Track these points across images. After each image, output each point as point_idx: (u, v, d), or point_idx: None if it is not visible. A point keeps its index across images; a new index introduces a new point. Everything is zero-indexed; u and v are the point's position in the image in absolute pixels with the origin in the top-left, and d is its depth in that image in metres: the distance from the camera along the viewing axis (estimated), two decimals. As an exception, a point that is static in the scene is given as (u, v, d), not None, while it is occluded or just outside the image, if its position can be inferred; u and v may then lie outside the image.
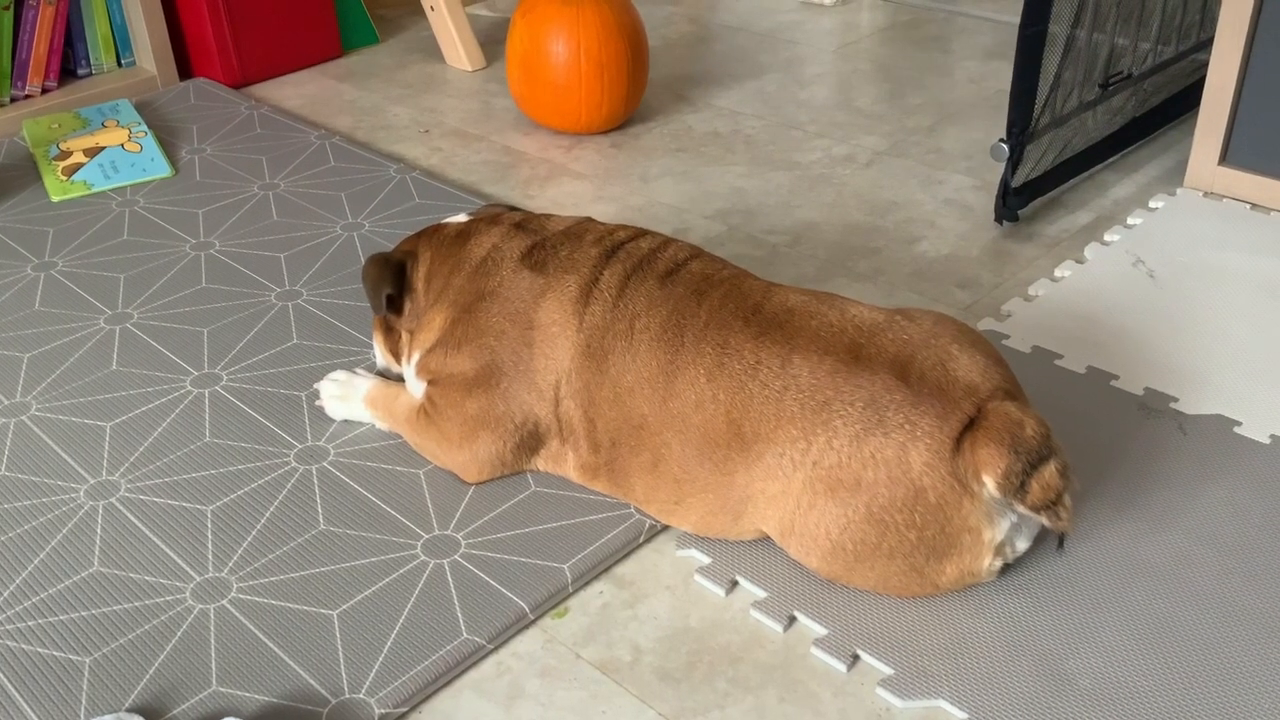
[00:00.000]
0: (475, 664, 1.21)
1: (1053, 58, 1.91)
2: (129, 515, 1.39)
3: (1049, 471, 1.17)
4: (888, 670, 1.18)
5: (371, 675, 1.18)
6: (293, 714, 1.14)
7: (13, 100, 2.50)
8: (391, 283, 1.49)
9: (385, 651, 1.20)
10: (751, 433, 1.24)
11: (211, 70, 2.66)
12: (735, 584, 1.29)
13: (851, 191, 2.15)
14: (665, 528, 1.37)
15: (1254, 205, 2.02)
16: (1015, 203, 1.98)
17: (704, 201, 2.12)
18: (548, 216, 1.51)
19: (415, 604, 1.26)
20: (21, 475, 1.46)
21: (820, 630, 1.23)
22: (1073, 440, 1.44)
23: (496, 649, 1.23)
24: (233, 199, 2.14)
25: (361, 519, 1.38)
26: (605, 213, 2.07)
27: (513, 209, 1.58)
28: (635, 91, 2.36)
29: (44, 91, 2.54)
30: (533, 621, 1.26)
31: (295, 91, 2.65)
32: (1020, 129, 1.92)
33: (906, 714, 1.15)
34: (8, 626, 1.25)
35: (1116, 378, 1.59)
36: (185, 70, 2.70)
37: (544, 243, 1.43)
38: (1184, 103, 2.30)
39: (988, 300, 1.80)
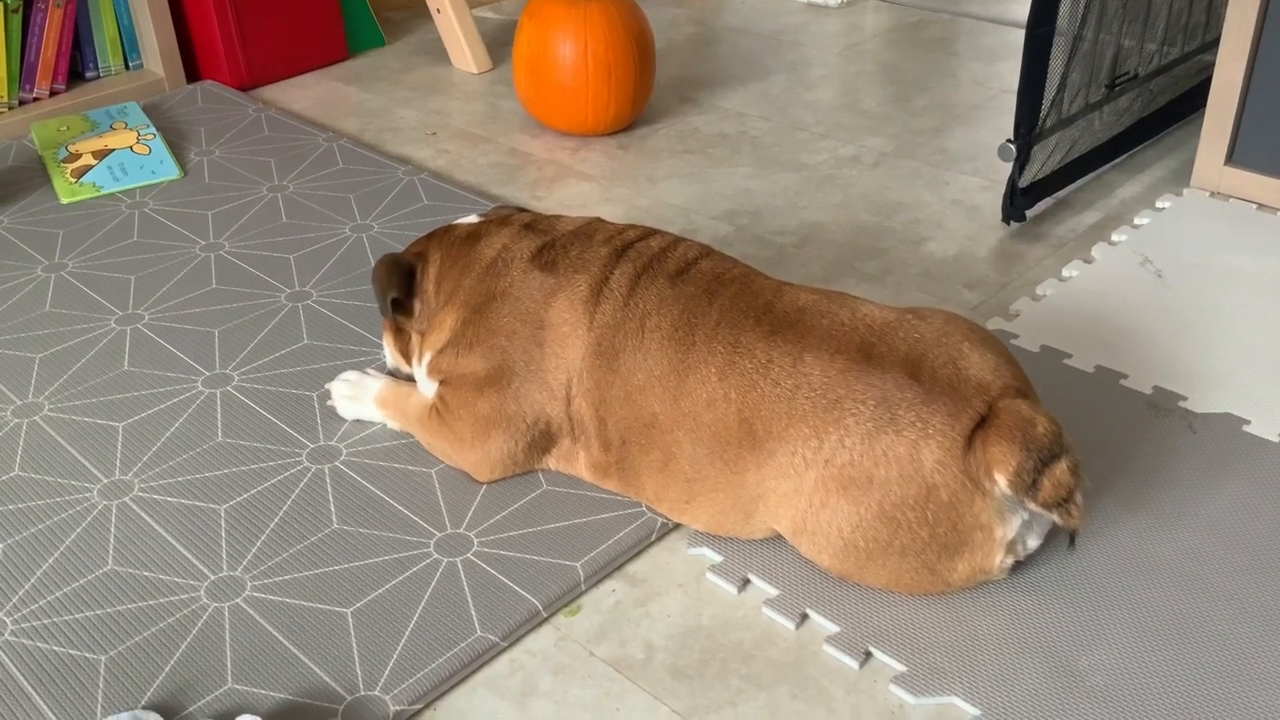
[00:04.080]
0: (489, 661, 1.22)
1: (1059, 58, 1.91)
2: (142, 514, 1.40)
3: (1060, 469, 1.17)
4: (900, 667, 1.19)
5: (386, 672, 1.18)
6: (308, 711, 1.15)
7: (21, 103, 2.50)
8: (398, 286, 1.49)
9: (399, 649, 1.21)
10: (763, 431, 1.24)
11: (219, 73, 2.67)
12: (747, 582, 1.30)
13: (858, 192, 2.15)
14: (677, 526, 1.37)
15: (1260, 205, 2.02)
16: (1022, 203, 1.98)
17: (711, 202, 2.13)
18: (557, 217, 1.51)
19: (429, 602, 1.26)
20: (35, 475, 1.47)
21: (832, 628, 1.23)
22: (1082, 439, 1.44)
23: (510, 646, 1.24)
24: (241, 200, 2.14)
25: (374, 518, 1.39)
26: (612, 214, 2.08)
27: (522, 210, 1.58)
28: (642, 93, 2.36)
29: (52, 94, 2.55)
30: (545, 619, 1.26)
31: (302, 94, 2.66)
32: (1027, 129, 1.92)
33: (919, 711, 1.15)
34: (23, 625, 1.25)
35: (1125, 376, 1.60)
36: (193, 73, 2.71)
37: (554, 243, 1.44)
38: (1190, 103, 2.31)
39: (996, 300, 1.80)
